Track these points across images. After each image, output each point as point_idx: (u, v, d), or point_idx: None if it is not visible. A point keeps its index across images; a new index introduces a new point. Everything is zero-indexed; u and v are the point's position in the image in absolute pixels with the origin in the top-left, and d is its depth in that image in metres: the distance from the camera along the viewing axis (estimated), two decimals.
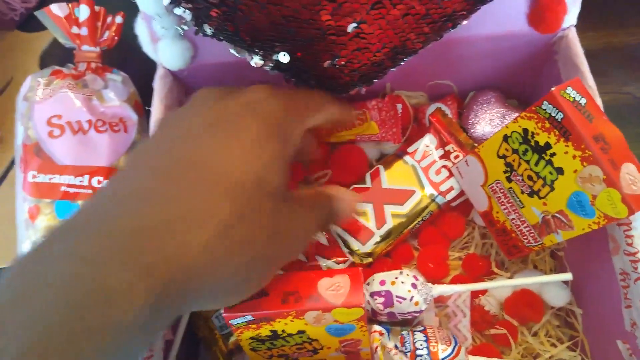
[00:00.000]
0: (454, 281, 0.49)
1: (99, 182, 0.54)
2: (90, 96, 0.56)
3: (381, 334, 0.42)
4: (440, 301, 0.48)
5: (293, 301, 0.35)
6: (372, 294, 0.43)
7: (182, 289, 0.23)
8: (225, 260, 0.25)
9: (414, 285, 0.42)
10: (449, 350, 0.41)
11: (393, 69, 0.46)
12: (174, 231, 0.24)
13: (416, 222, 0.50)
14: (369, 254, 0.49)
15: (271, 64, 0.44)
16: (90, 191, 0.54)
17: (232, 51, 0.43)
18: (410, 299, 0.42)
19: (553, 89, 0.37)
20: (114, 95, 0.57)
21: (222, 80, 0.52)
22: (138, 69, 0.52)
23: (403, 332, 0.43)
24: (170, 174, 0.26)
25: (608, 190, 0.36)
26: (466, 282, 0.47)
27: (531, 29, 0.46)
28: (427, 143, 0.51)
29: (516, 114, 0.53)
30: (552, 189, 0.40)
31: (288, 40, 0.41)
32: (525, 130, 0.40)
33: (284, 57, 0.42)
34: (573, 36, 0.45)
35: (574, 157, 0.37)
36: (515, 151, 0.41)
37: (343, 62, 0.43)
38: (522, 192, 0.43)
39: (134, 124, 0.57)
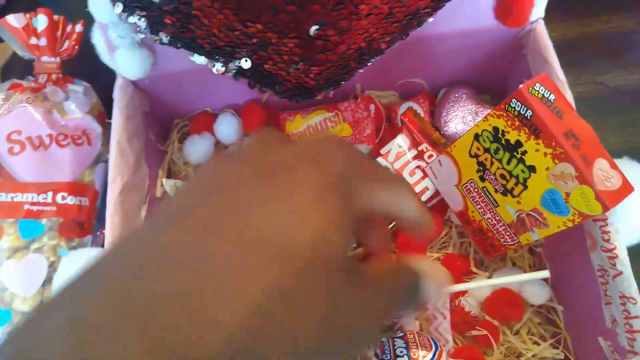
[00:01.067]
0: None
1: (63, 197, 0.52)
2: (50, 109, 0.54)
3: None
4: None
5: None
6: None
7: None
8: (262, 348, 0.20)
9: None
10: (430, 355, 0.40)
11: (360, 70, 0.44)
12: (200, 303, 0.19)
13: (392, 225, 0.49)
14: None
15: (234, 70, 0.42)
16: (54, 208, 0.52)
17: (192, 59, 0.42)
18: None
19: (521, 86, 0.36)
20: (76, 107, 0.55)
21: (186, 88, 0.50)
22: (104, 78, 0.49)
23: (383, 339, 0.42)
24: (205, 231, 0.21)
25: (581, 188, 0.36)
26: None
27: (499, 24, 0.45)
28: (400, 144, 0.50)
29: (489, 110, 0.52)
30: (526, 187, 0.39)
31: (248, 45, 0.40)
32: (496, 129, 0.39)
33: (245, 63, 0.41)
34: (541, 29, 0.45)
35: (545, 154, 0.36)
36: (486, 150, 0.40)
37: (307, 66, 0.42)
38: (496, 191, 0.42)
39: (98, 135, 0.55)
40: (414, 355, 0.40)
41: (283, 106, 0.55)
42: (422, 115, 0.52)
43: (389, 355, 0.40)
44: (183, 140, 0.55)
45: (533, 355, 0.46)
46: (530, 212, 0.40)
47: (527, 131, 0.36)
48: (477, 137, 0.40)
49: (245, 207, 0.21)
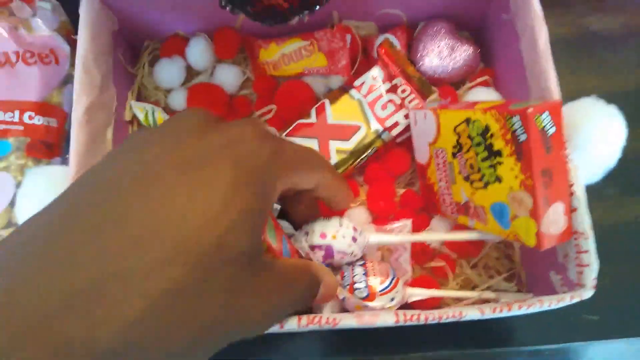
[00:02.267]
0: (397, 218, 0.49)
1: (30, 117, 0.51)
2: (16, 25, 0.52)
3: None
4: None
5: None
6: (312, 247, 0.42)
7: None
8: (161, 337, 0.20)
9: (354, 239, 0.41)
10: (387, 282, 0.41)
11: None
12: (101, 298, 0.19)
13: (361, 158, 0.49)
14: None
15: None
16: (21, 127, 0.51)
17: None
18: (351, 253, 0.41)
19: (530, 110, 0.34)
20: (43, 24, 0.53)
21: (156, 7, 0.48)
22: None
23: (344, 267, 0.43)
24: (110, 219, 0.20)
25: (528, 219, 0.37)
26: (407, 217, 0.47)
27: None
28: (374, 76, 0.49)
29: (466, 46, 0.52)
30: (485, 188, 0.40)
31: None
32: (487, 128, 0.38)
33: None
34: None
35: (517, 177, 0.37)
36: (470, 137, 0.40)
37: None
38: (459, 173, 0.43)
39: (66, 55, 0.54)
40: (371, 282, 0.41)
41: (258, 33, 0.53)
42: (398, 48, 0.51)
43: (348, 281, 0.41)
44: (153, 64, 0.54)
45: (487, 287, 0.48)
46: (478, 206, 0.41)
47: (512, 149, 0.36)
48: (468, 121, 0.40)
49: (153, 200, 0.21)
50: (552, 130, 0.35)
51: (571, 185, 0.38)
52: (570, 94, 0.40)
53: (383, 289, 0.41)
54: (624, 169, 0.40)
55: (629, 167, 0.54)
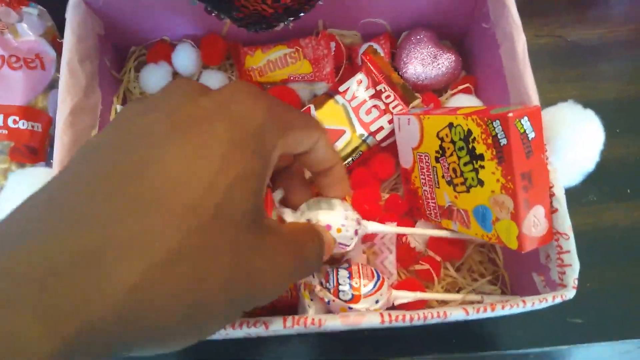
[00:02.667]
0: (382, 221, 0.49)
1: (15, 121, 0.51)
2: (2, 30, 0.52)
3: None
4: (368, 239, 0.48)
5: None
6: None
7: (105, 336, 0.18)
8: (164, 302, 0.20)
9: (356, 232, 0.40)
10: (371, 285, 0.41)
11: (320, 2, 0.44)
12: (100, 262, 0.19)
13: (346, 162, 0.49)
14: None
15: None
16: (5, 131, 0.51)
17: None
18: (350, 245, 0.41)
19: (510, 114, 0.35)
20: (29, 29, 0.53)
21: (142, 13, 0.49)
22: (59, 3, 0.47)
23: (328, 269, 0.43)
24: (109, 186, 0.20)
25: (510, 222, 0.38)
26: (392, 221, 0.48)
27: None
28: (359, 82, 0.50)
29: (448, 54, 0.53)
30: (467, 192, 0.41)
31: None
32: (469, 132, 0.39)
33: None
34: None
35: (498, 180, 0.37)
36: (453, 142, 0.41)
37: None
38: (443, 177, 0.43)
39: (52, 60, 0.54)
40: (355, 284, 0.41)
41: (244, 40, 0.54)
42: (382, 55, 0.52)
43: (332, 284, 0.42)
44: (140, 70, 0.54)
45: (472, 290, 0.48)
46: (461, 210, 0.42)
47: (494, 153, 0.37)
48: (450, 126, 0.41)
49: (152, 164, 0.21)
50: (532, 135, 0.36)
51: (551, 187, 0.39)
52: (551, 103, 0.42)
53: (368, 292, 0.41)
54: (604, 175, 0.41)
55: (609, 174, 0.55)
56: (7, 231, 0.20)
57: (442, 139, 0.42)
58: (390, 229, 0.44)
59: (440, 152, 0.43)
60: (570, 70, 0.61)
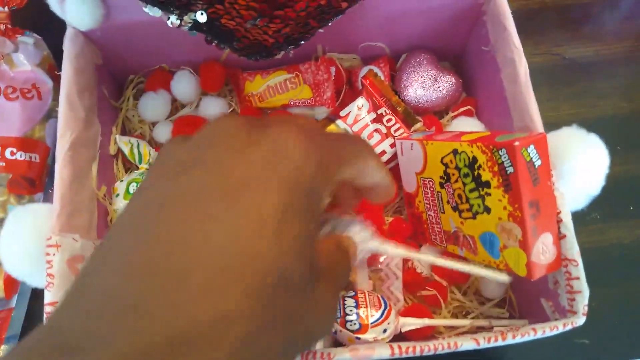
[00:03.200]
0: None
1: (12, 153, 0.50)
2: None
3: None
4: (373, 264, 0.48)
5: None
6: None
7: None
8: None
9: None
10: (378, 314, 0.41)
11: (320, 30, 0.44)
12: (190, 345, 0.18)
13: None
14: None
15: (189, 24, 0.41)
16: (3, 163, 0.50)
17: (146, 10, 0.40)
18: (362, 259, 0.42)
19: (516, 143, 0.35)
20: (25, 59, 0.53)
21: (140, 42, 0.48)
22: (57, 31, 0.47)
23: None
24: (159, 272, 0.19)
25: (518, 250, 0.37)
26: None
27: None
28: (359, 106, 0.50)
29: (448, 76, 0.53)
30: (474, 218, 0.41)
31: None
32: (475, 159, 0.39)
33: (201, 17, 0.40)
34: None
35: (505, 208, 0.37)
36: (457, 168, 0.41)
37: (265, 22, 0.41)
38: (448, 202, 0.43)
39: (49, 89, 0.53)
40: (363, 313, 0.41)
41: (243, 65, 0.54)
42: (382, 78, 0.52)
43: (339, 314, 0.41)
44: (138, 98, 0.54)
45: (480, 314, 0.48)
46: (467, 236, 0.42)
47: (500, 181, 0.37)
48: (455, 152, 0.41)
49: (204, 235, 0.20)
50: (538, 163, 0.36)
51: (558, 213, 0.39)
52: (547, 120, 0.42)
53: (375, 321, 0.41)
54: (606, 193, 0.41)
55: (611, 192, 0.55)
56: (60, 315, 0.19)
57: (446, 165, 0.42)
58: (400, 251, 0.43)
59: (445, 177, 0.43)
60: (567, 88, 0.61)
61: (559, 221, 0.39)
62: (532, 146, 0.35)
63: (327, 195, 0.25)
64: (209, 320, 0.18)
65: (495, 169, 0.37)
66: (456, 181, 0.41)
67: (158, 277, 0.19)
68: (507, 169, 0.36)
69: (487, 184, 0.38)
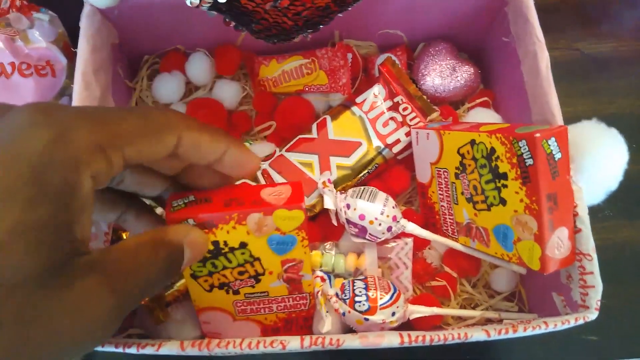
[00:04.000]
0: (397, 237, 0.48)
1: None
2: (13, 36, 0.52)
3: (323, 279, 0.42)
4: (383, 253, 0.47)
5: (235, 205, 0.34)
6: (348, 220, 0.43)
7: None
8: None
9: (389, 228, 0.43)
10: (387, 297, 0.41)
11: (340, 15, 0.43)
12: None
13: (362, 174, 0.49)
14: (312, 207, 0.48)
15: (208, 4, 0.40)
16: None
17: None
18: (382, 238, 0.44)
19: (537, 135, 0.35)
20: (40, 36, 0.53)
21: (158, 22, 0.48)
22: (72, 9, 0.46)
23: (344, 281, 0.43)
24: None
25: (533, 243, 0.37)
26: (408, 236, 0.47)
27: None
28: (376, 93, 0.50)
29: (467, 67, 0.52)
30: (489, 210, 0.40)
31: None
32: (493, 150, 0.38)
33: None
34: None
35: (522, 200, 0.37)
36: (474, 159, 0.40)
37: (286, 4, 0.41)
38: (462, 194, 0.43)
39: (63, 67, 0.53)
40: (372, 295, 0.41)
41: (258, 49, 0.53)
42: (400, 66, 0.52)
43: (348, 295, 0.41)
44: (152, 78, 0.54)
45: (489, 307, 0.47)
46: (480, 227, 0.42)
47: (518, 173, 0.37)
48: (472, 143, 0.40)
49: None
50: (558, 156, 0.36)
51: (575, 207, 0.39)
52: (564, 116, 0.41)
53: (384, 303, 0.41)
54: (620, 191, 0.41)
55: (625, 190, 0.55)
56: None
57: (463, 156, 0.42)
58: (428, 234, 0.45)
59: (461, 168, 0.42)
60: (584, 83, 0.60)
61: (575, 215, 0.38)
62: (553, 138, 0.35)
63: (86, 174, 0.21)
64: None
65: (514, 160, 0.37)
66: (472, 172, 0.41)
67: None
68: (526, 160, 0.36)
69: (505, 176, 0.38)
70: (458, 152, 0.42)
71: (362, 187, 0.45)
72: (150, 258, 0.24)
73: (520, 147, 0.36)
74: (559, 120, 0.40)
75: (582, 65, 0.61)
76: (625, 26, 0.64)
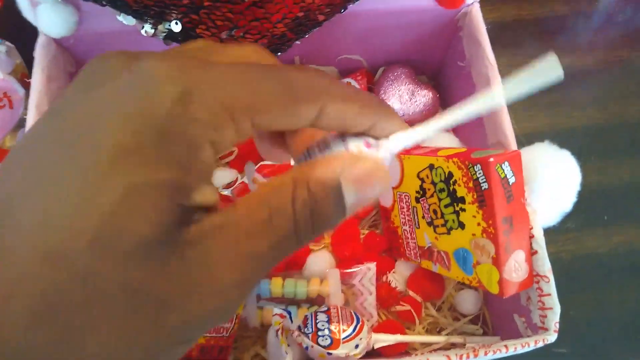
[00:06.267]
0: (361, 261, 0.48)
1: None
2: None
3: (282, 317, 0.41)
4: (346, 279, 0.47)
5: None
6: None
7: None
8: None
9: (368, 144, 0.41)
10: (350, 330, 0.40)
11: (297, 42, 0.44)
12: None
13: None
14: None
15: (164, 33, 0.41)
16: None
17: (120, 18, 0.40)
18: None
19: (491, 159, 0.35)
20: None
21: (112, 48, 0.48)
22: (30, 39, 0.46)
23: (307, 314, 0.42)
24: None
25: (491, 266, 0.37)
26: (371, 259, 0.47)
27: (436, 4, 0.45)
28: None
29: (425, 91, 0.53)
30: (449, 234, 0.41)
31: (178, 6, 0.38)
32: (450, 175, 0.39)
33: (176, 26, 0.40)
34: (476, 12, 0.45)
35: (479, 224, 0.37)
36: (433, 183, 0.41)
37: (241, 34, 0.41)
38: (423, 217, 0.43)
39: (21, 98, 0.52)
40: (335, 328, 0.40)
41: None
42: None
43: (310, 329, 0.41)
44: None
45: (454, 330, 0.47)
46: (441, 251, 0.42)
47: (475, 197, 0.37)
48: (431, 167, 0.41)
49: (16, 189, 0.16)
50: (512, 180, 0.36)
51: (530, 229, 0.39)
52: (524, 131, 0.42)
53: (347, 336, 0.40)
54: (580, 203, 0.42)
55: (585, 201, 0.56)
56: None
57: (422, 180, 0.42)
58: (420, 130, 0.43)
59: (421, 192, 0.43)
60: (544, 98, 0.61)
61: (531, 237, 0.39)
62: (506, 163, 0.36)
63: (216, 143, 0.18)
64: None
65: (471, 184, 0.37)
66: (432, 196, 0.41)
67: None
68: (482, 184, 0.36)
69: (462, 200, 0.38)
70: (418, 176, 0.42)
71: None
72: (285, 206, 0.19)
73: (476, 172, 0.36)
74: (512, 142, 0.41)
75: None
76: (580, 40, 0.66)
